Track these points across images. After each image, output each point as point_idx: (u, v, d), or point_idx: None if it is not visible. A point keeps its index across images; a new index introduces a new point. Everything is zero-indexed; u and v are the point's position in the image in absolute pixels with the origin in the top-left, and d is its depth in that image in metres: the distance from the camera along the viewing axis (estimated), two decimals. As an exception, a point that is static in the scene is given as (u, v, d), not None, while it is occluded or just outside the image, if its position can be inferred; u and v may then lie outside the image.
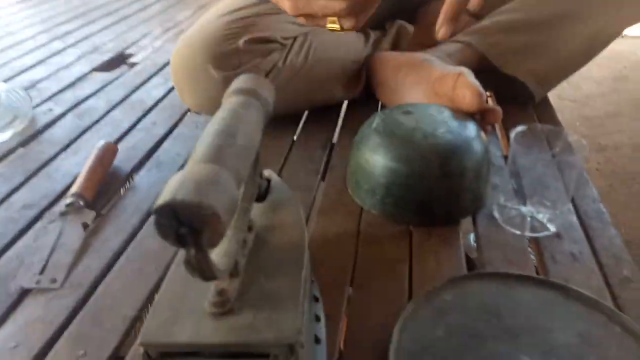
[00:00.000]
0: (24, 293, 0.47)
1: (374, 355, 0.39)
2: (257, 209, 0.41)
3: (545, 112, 0.77)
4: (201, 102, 0.70)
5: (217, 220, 0.24)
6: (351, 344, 0.41)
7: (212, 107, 0.72)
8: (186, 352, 0.30)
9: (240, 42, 0.67)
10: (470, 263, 0.53)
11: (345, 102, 0.81)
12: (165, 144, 0.74)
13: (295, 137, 0.74)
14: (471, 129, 0.55)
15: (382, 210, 0.55)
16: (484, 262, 0.50)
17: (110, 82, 0.99)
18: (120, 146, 0.72)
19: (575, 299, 0.43)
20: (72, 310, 0.45)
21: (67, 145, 0.75)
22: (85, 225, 0.56)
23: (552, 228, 0.53)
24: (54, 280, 0.49)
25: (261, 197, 0.43)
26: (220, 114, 0.33)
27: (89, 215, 0.58)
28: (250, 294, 0.33)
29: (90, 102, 0.90)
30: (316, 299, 0.44)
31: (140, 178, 0.66)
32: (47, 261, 0.51)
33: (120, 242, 0.54)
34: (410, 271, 0.48)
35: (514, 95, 0.78)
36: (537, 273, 0.48)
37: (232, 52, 0.67)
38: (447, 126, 0.55)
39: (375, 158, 0.54)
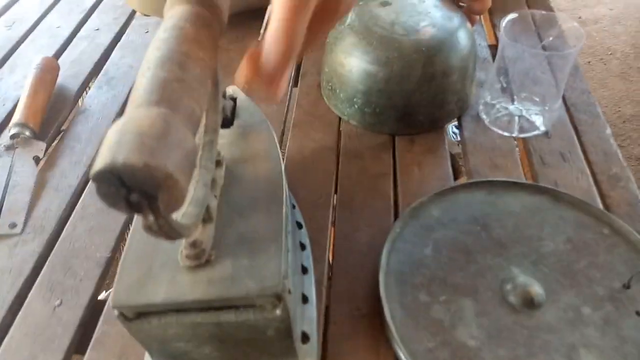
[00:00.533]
0: (-17, 241, 0.44)
1: (363, 280, 0.38)
2: (224, 137, 0.37)
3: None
4: (149, 3, 0.61)
5: (172, 183, 0.20)
6: (339, 268, 0.40)
7: (162, 8, 0.62)
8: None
9: None
10: (455, 165, 0.51)
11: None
12: (114, 55, 0.66)
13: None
14: (456, 20, 0.49)
15: (361, 120, 0.51)
16: (470, 169, 0.47)
17: (38, -21, 0.84)
18: (62, 60, 0.64)
19: (565, 203, 0.42)
20: (39, 257, 0.42)
21: (1, 63, 0.66)
22: (36, 159, 0.51)
23: (542, 127, 0.50)
24: (13, 225, 0.45)
25: (228, 122, 0.38)
26: (162, 35, 0.27)
27: (39, 147, 0.52)
28: (227, 239, 0.30)
29: (20, 4, 0.78)
30: (299, 226, 0.41)
31: (90, 98, 0.59)
32: (1, 204, 0.47)
33: (79, 175, 0.49)
34: (395, 185, 0.46)
35: None
36: (526, 177, 0.47)
37: None
38: (430, 18, 0.48)
39: (351, 61, 0.49)
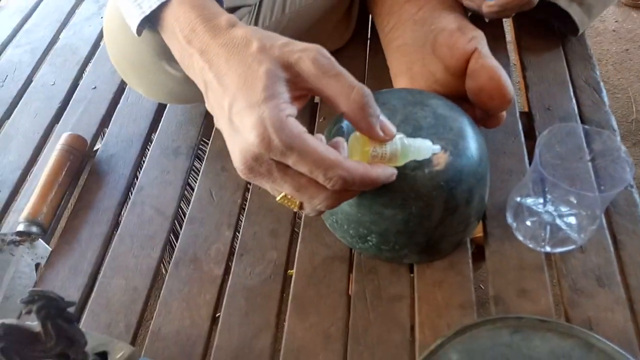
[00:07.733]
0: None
1: None
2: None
3: (576, 48, 0.62)
4: (159, 96, 0.56)
5: None
6: None
7: (173, 100, 0.57)
8: None
9: None
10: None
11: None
12: (118, 118, 0.61)
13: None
14: (468, 131, 0.43)
15: (377, 254, 0.45)
16: (495, 289, 0.44)
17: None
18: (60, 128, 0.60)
19: (597, 351, 0.39)
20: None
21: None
22: (37, 266, 0.49)
23: (575, 237, 0.45)
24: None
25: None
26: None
27: (43, 253, 0.49)
28: None
29: (8, 53, 0.71)
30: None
31: (96, 179, 0.55)
32: None
33: (80, 287, 0.47)
34: (412, 312, 0.43)
35: (550, 27, 0.62)
36: (557, 304, 0.43)
37: None
38: (439, 137, 0.41)
39: (359, 202, 0.42)
